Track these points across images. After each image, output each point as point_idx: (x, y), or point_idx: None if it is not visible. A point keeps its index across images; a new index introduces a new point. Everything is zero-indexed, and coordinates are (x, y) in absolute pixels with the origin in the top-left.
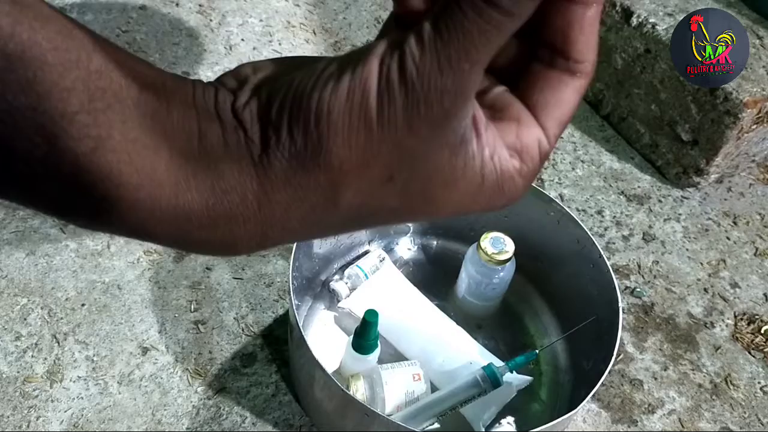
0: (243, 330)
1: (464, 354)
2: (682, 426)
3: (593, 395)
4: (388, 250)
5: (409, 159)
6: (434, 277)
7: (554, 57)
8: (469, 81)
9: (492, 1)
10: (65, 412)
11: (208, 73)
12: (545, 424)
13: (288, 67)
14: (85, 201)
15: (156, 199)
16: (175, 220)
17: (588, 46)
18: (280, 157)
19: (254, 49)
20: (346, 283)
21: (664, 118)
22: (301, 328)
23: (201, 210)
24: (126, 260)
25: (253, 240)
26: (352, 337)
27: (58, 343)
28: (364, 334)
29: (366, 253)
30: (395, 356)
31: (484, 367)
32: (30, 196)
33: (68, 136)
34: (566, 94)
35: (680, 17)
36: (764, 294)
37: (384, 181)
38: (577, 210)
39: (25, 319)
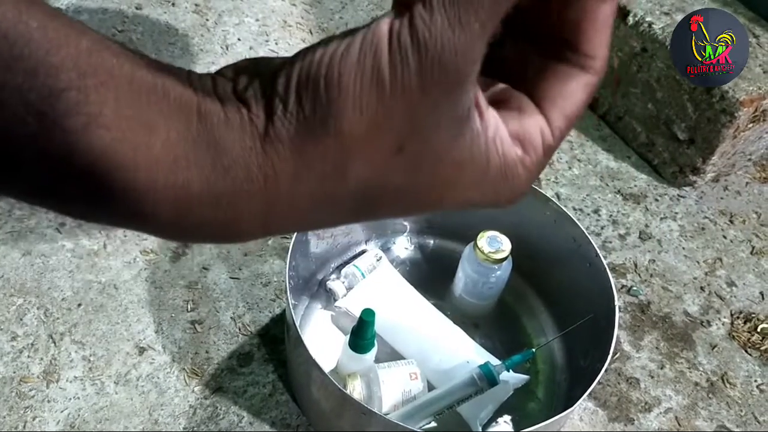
0: (240, 329)
1: (461, 353)
2: (679, 424)
3: (590, 394)
4: (385, 249)
5: (419, 127)
6: (431, 276)
7: (564, 51)
8: (478, 43)
9: None
10: (62, 412)
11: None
12: (542, 422)
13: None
14: (79, 184)
15: (152, 178)
16: (174, 201)
17: (601, 41)
18: (287, 125)
19: (251, 48)
20: (343, 283)
21: (661, 117)
22: (297, 327)
23: (201, 188)
24: (122, 260)
25: (258, 220)
26: (349, 336)
27: (55, 343)
28: (361, 333)
29: (363, 252)
30: (392, 355)
31: (480, 366)
32: (25, 185)
33: (57, 113)
34: (573, 88)
35: (677, 16)
36: (761, 292)
37: (393, 151)
38: (574, 209)
39: (21, 320)
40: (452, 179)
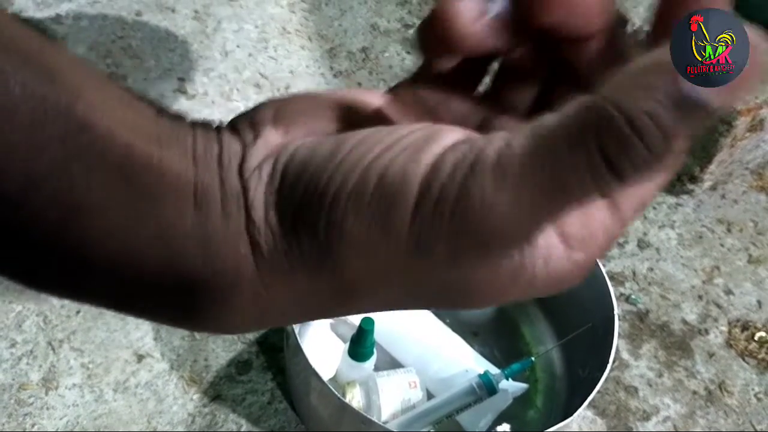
0: (238, 337)
1: (460, 361)
2: None
3: (589, 402)
4: None
5: (441, 283)
6: None
7: None
8: (541, 227)
9: (618, 174)
10: (60, 419)
11: (203, 78)
12: (541, 431)
13: (317, 118)
14: (60, 268)
15: (136, 276)
16: (157, 300)
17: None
18: (282, 252)
19: (250, 55)
20: None
21: None
22: (297, 335)
23: (187, 287)
24: None
25: (239, 328)
26: (348, 344)
27: (54, 350)
28: (361, 342)
29: None
30: (391, 363)
31: (480, 375)
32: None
33: (35, 205)
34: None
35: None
36: (758, 301)
37: (405, 294)
38: None
39: (20, 326)
40: (482, 300)
